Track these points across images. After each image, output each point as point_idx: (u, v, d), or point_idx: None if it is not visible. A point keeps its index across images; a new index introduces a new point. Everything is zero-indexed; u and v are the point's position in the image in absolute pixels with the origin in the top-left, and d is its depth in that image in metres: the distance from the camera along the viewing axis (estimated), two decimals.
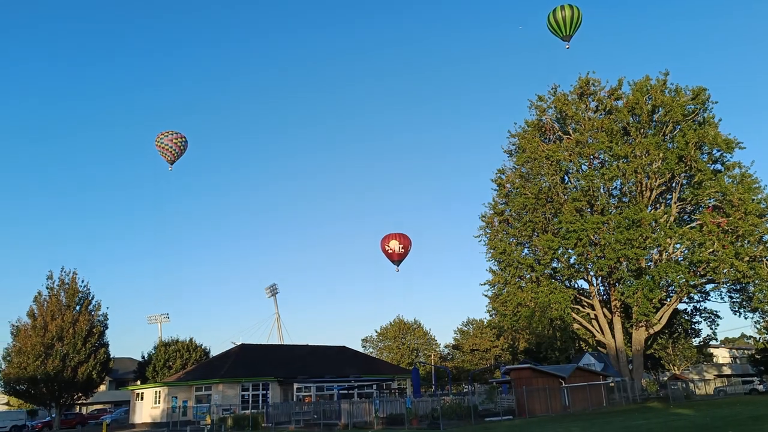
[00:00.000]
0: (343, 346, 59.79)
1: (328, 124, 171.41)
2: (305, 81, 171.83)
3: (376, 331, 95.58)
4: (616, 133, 42.84)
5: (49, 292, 48.52)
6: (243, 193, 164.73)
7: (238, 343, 54.35)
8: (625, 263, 41.64)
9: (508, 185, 47.42)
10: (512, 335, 65.36)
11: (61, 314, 47.03)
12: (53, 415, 49.32)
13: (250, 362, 47.33)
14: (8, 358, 46.71)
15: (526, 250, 46.76)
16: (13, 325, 47.74)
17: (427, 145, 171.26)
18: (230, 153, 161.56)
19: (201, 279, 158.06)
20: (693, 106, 42.31)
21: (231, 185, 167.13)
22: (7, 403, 63.85)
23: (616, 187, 45.29)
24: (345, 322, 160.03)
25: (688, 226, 41.58)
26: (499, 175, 48.57)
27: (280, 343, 76.14)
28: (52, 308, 47.39)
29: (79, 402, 53.47)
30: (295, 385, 45.28)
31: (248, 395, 43.41)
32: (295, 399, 43.54)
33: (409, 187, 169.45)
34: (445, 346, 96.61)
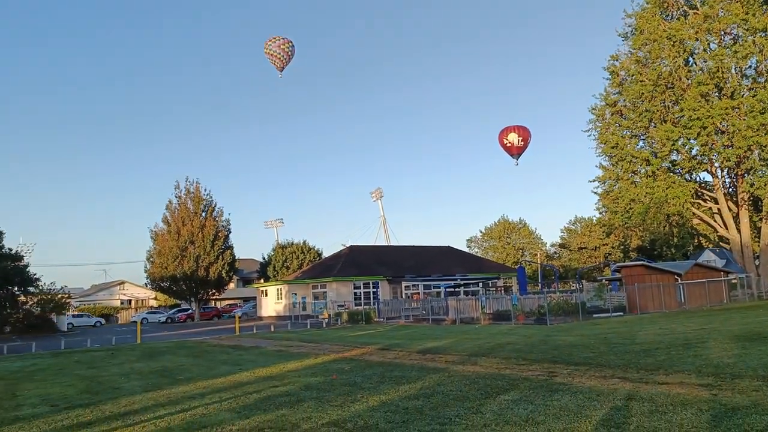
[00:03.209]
0: (449, 247, 61.07)
1: (438, 26, 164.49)
2: None
3: (481, 232, 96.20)
4: (754, 2, 37.16)
5: (178, 201, 53.65)
6: (352, 101, 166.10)
7: (348, 245, 57.30)
8: (756, 152, 37.62)
9: (622, 73, 43.52)
10: (624, 233, 62.87)
11: (190, 220, 52.17)
12: (193, 309, 56.10)
13: (360, 262, 49.96)
14: (151, 260, 53.11)
15: (641, 143, 43.61)
16: (152, 231, 53.87)
17: (535, 33, 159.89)
18: (337, 61, 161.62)
19: (311, 185, 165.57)
20: None
21: (341, 93, 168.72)
22: (155, 298, 73.13)
23: (750, 66, 39.91)
24: (449, 223, 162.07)
25: None
26: (612, 62, 44.55)
27: (387, 244, 79.20)
28: (182, 215, 52.63)
29: (214, 297, 60.14)
30: (404, 283, 47.48)
31: (360, 292, 46.29)
32: (403, 296, 45.85)
33: (506, 81, 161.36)
34: (552, 245, 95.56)
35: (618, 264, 40.12)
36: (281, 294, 49.97)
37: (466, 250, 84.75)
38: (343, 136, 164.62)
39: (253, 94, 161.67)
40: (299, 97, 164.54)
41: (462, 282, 47.09)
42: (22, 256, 45.70)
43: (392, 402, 9.24)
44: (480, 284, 47.27)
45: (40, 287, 45.82)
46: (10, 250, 44.85)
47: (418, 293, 46.64)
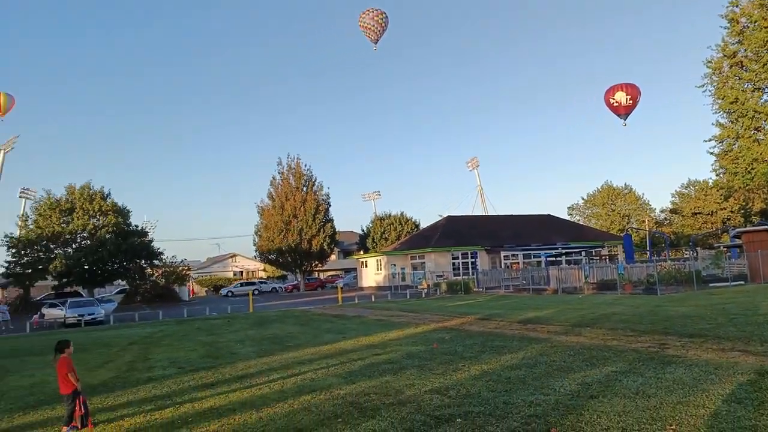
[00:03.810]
0: (549, 215, 59.13)
1: None
2: None
3: (583, 199, 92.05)
4: None
5: (281, 177, 56.22)
6: (445, 70, 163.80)
7: (445, 216, 57.18)
8: None
9: (743, 20, 39.19)
10: (745, 195, 57.51)
11: (292, 195, 54.55)
12: (298, 280, 58.95)
13: (457, 232, 49.75)
14: (258, 233, 56.30)
15: (765, 96, 39.30)
16: (259, 206, 56.98)
17: None
18: (426, 27, 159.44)
19: (407, 157, 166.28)
20: None
21: (432, 60, 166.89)
22: (263, 270, 77.58)
23: None
24: (549, 191, 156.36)
25: None
26: (731, 8, 40.19)
27: (484, 213, 78.11)
28: (285, 190, 55.15)
29: (317, 269, 62.75)
30: (502, 253, 46.76)
31: (458, 263, 46.21)
32: (502, 266, 45.22)
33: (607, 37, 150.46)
34: (661, 211, 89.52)
35: (739, 229, 36.86)
36: (380, 265, 51.11)
37: (567, 218, 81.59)
38: (437, 105, 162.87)
39: (349, 65, 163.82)
40: (391, 68, 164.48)
41: (563, 251, 45.54)
42: (147, 232, 50.36)
43: (494, 371, 9.26)
44: (583, 253, 45.50)
45: (164, 260, 50.30)
46: (137, 226, 49.49)
47: (518, 263, 45.77)
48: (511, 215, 58.96)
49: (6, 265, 44.65)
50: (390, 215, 68.14)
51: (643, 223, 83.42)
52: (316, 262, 57.43)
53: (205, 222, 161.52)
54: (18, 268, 43.91)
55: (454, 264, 46.03)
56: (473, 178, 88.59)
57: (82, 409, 7.24)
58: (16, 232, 46.47)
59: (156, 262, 49.62)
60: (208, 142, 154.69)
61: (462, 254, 46.47)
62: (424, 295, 36.38)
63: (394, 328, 17.15)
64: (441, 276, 43.27)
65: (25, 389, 10.64)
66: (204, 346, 15.70)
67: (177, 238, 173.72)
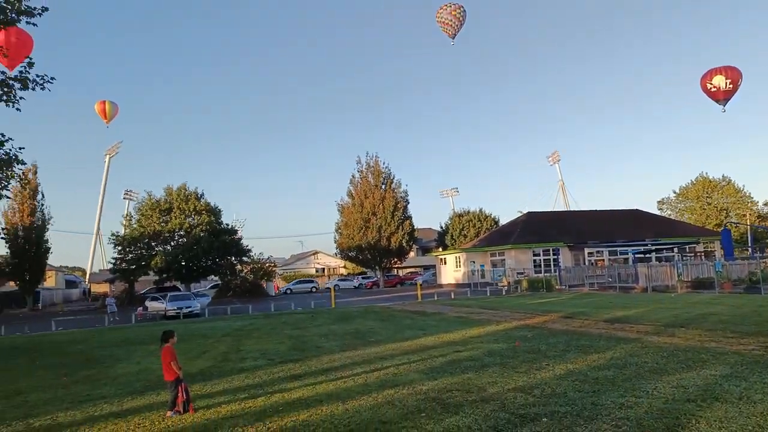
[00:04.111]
0: (636, 210, 56.25)
1: None
2: None
3: (675, 192, 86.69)
4: None
5: (360, 175, 57.20)
6: (522, 63, 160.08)
7: (525, 212, 55.88)
8: None
9: None
10: None
11: (371, 193, 55.36)
12: (378, 276, 59.73)
13: (538, 229, 48.46)
14: (339, 231, 57.60)
15: None
16: (339, 204, 58.31)
17: None
18: (509, 28, 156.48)
19: (484, 153, 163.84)
20: None
21: (510, 54, 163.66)
22: (344, 267, 79.24)
23: None
24: (635, 185, 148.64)
25: None
26: None
27: (565, 209, 75.50)
28: (364, 188, 56.08)
29: (396, 266, 63.29)
30: (586, 250, 45.06)
31: (539, 259, 45.02)
32: (586, 263, 43.57)
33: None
34: (765, 204, 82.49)
35: None
36: (459, 262, 50.78)
37: (657, 212, 77.17)
38: (515, 99, 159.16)
39: (426, 61, 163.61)
40: (468, 64, 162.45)
41: (653, 247, 43.17)
42: (237, 230, 52.91)
43: (580, 371, 9.02)
44: (675, 249, 42.90)
45: (252, 257, 52.70)
46: (227, 225, 52.15)
47: (603, 260, 43.90)
48: (595, 210, 56.60)
49: (113, 261, 48.59)
50: (468, 212, 67.48)
51: (744, 217, 77.22)
52: (395, 259, 57.93)
53: (288, 220, 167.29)
54: (123, 264, 47.64)
55: (535, 261, 44.89)
56: (554, 173, 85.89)
57: (184, 395, 7.81)
58: (122, 231, 50.35)
59: (245, 258, 52.11)
60: (292, 141, 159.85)
61: (543, 251, 45.22)
62: (504, 293, 35.79)
63: (474, 326, 17.04)
64: (521, 273, 42.36)
65: (132, 375, 11.58)
66: (291, 340, 16.34)
67: (263, 236, 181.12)
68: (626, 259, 41.34)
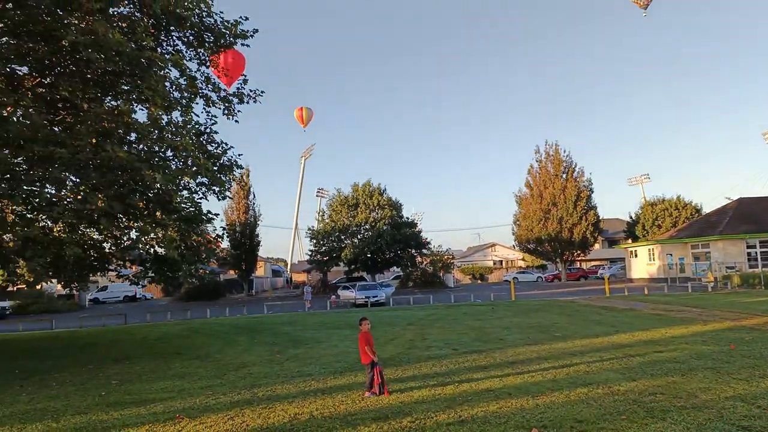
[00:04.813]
0: None
1: None
2: None
3: None
4: None
5: (538, 165, 55.26)
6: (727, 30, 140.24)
7: (735, 198, 48.89)
8: None
9: None
10: None
11: (551, 183, 53.15)
12: (559, 270, 57.15)
13: (753, 217, 42.04)
14: (517, 223, 56.33)
15: None
16: (517, 195, 57.01)
17: None
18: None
19: (682, 133, 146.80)
20: None
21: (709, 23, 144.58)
22: (522, 259, 77.19)
23: None
24: None
25: None
26: None
27: None
28: (543, 178, 54.05)
29: (579, 258, 59.92)
30: None
31: (755, 252, 39.09)
32: None
33: None
34: None
35: None
36: (653, 254, 46.31)
37: None
38: (720, 69, 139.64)
39: (608, 41, 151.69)
40: (656, 35, 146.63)
41: None
42: (416, 223, 54.77)
43: None
44: None
45: (431, 249, 54.21)
46: (408, 218, 54.25)
47: None
48: None
49: (310, 253, 53.69)
50: (663, 200, 61.05)
51: None
52: (578, 252, 54.85)
53: (466, 212, 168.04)
54: (318, 256, 52.34)
55: (749, 254, 39.08)
56: None
57: (380, 378, 8.39)
58: (316, 226, 55.29)
59: (424, 251, 53.78)
60: (468, 134, 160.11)
61: (760, 242, 39.14)
62: (710, 289, 31.81)
63: (675, 324, 15.48)
64: (732, 267, 37.22)
65: (332, 356, 12.72)
66: (473, 330, 16.48)
67: (441, 229, 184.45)
68: None
